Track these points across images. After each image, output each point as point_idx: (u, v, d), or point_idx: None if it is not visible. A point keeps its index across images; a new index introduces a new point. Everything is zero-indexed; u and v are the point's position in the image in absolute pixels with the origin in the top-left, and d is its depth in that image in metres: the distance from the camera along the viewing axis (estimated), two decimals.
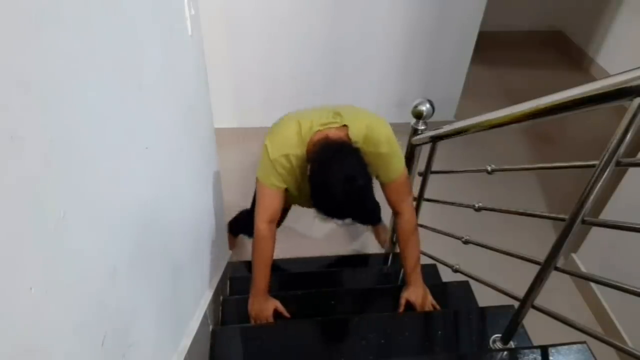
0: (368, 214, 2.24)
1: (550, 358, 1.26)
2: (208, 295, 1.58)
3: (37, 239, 0.55)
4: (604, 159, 0.92)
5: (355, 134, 1.34)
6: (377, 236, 2.41)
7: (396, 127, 1.43)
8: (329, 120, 1.34)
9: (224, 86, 2.89)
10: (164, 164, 1.06)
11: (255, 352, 1.45)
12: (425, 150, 1.70)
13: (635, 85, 0.81)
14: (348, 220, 1.23)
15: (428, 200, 1.82)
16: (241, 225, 2.16)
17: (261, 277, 1.51)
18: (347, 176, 1.17)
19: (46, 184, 0.56)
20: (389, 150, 1.38)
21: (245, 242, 2.30)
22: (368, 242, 2.44)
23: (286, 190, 1.44)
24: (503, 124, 1.21)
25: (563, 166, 1.19)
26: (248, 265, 1.53)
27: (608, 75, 0.87)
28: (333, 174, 1.18)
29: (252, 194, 1.98)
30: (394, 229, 1.60)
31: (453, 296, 1.76)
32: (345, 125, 1.34)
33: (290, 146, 1.34)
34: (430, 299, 1.60)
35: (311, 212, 1.29)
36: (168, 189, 1.11)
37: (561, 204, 2.60)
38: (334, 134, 1.33)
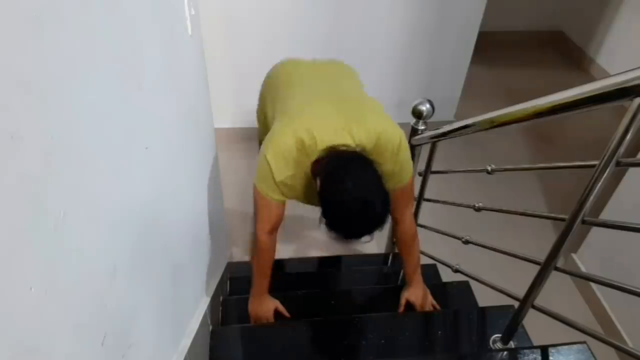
0: None
1: (550, 358, 1.26)
2: (208, 295, 1.58)
3: (37, 238, 0.55)
4: (604, 159, 0.92)
5: (366, 146, 1.22)
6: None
7: None
8: (337, 136, 1.19)
9: (224, 86, 2.89)
10: (164, 164, 1.06)
11: (255, 352, 1.45)
12: (425, 150, 1.70)
13: (635, 85, 0.81)
14: (366, 238, 1.13)
15: (428, 200, 1.82)
16: None
17: (262, 282, 1.50)
18: (365, 203, 1.06)
19: (46, 183, 0.56)
20: (399, 162, 1.28)
21: (246, 242, 2.30)
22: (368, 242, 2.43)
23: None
24: (503, 124, 1.21)
25: (563, 166, 1.19)
26: (248, 265, 1.53)
27: (608, 75, 0.87)
28: (350, 200, 1.06)
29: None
30: (394, 234, 1.56)
31: (453, 296, 1.76)
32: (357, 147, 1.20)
33: (292, 162, 1.22)
34: (430, 299, 1.60)
35: (311, 212, 1.27)
36: (168, 189, 1.11)
37: (561, 204, 2.60)
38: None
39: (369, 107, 1.33)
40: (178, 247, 1.23)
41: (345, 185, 1.08)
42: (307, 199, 1.34)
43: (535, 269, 1.18)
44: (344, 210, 1.08)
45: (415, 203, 1.85)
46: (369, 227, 1.11)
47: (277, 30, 2.71)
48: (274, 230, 1.40)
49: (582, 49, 3.81)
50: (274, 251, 1.46)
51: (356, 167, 1.13)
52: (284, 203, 1.34)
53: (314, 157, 1.20)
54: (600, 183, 0.95)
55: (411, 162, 1.34)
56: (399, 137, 1.26)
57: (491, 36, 3.54)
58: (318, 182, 1.15)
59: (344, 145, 1.19)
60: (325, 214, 1.11)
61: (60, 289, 0.61)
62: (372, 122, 1.24)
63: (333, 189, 1.10)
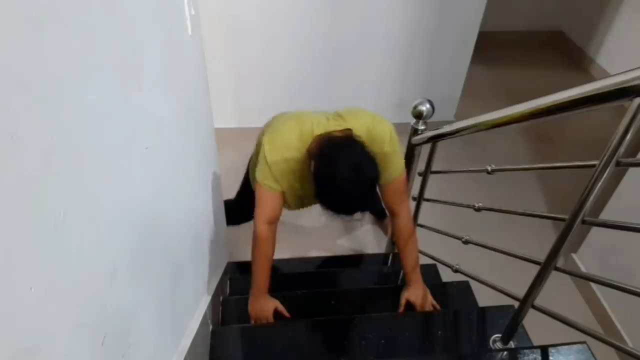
0: (375, 207, 2.22)
1: (550, 358, 1.26)
2: (208, 295, 1.58)
3: (37, 239, 0.55)
4: (604, 159, 0.92)
5: (358, 133, 1.33)
6: (386, 231, 2.41)
7: (396, 127, 1.43)
8: (330, 124, 1.33)
9: (224, 86, 2.89)
10: (164, 164, 1.06)
11: (255, 352, 1.45)
12: (425, 150, 1.70)
13: (635, 85, 0.81)
14: (357, 215, 1.20)
15: (428, 200, 1.82)
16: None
17: (261, 278, 1.51)
18: (355, 167, 1.14)
19: (46, 183, 0.56)
20: (390, 149, 1.36)
21: (245, 242, 2.30)
22: (368, 242, 2.44)
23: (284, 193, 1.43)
24: (503, 124, 1.21)
25: (563, 166, 1.19)
26: (248, 265, 1.53)
27: (608, 75, 0.87)
28: (340, 166, 1.14)
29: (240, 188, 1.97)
30: (392, 230, 1.59)
31: (453, 296, 1.76)
32: (348, 129, 1.32)
33: (290, 148, 1.31)
34: (430, 299, 1.60)
35: (311, 211, 1.28)
36: (168, 189, 1.11)
37: (561, 204, 2.60)
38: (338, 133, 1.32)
39: (359, 109, 1.43)
40: (178, 247, 1.23)
41: (336, 156, 1.17)
42: (301, 189, 1.40)
43: (535, 269, 1.18)
44: (336, 177, 1.14)
45: (415, 202, 1.85)
46: (361, 195, 1.16)
47: (277, 30, 2.71)
48: (271, 222, 1.43)
49: (582, 49, 3.81)
50: (273, 246, 1.47)
51: (347, 144, 1.23)
52: (280, 195, 1.39)
53: (309, 143, 1.30)
54: (600, 183, 0.95)
55: (402, 155, 1.43)
56: (388, 127, 1.37)
57: (491, 36, 3.54)
58: (313, 163, 1.22)
59: (337, 131, 1.31)
60: (319, 188, 1.18)
61: (60, 289, 0.61)
62: (363, 116, 1.37)
63: (325, 162, 1.18)
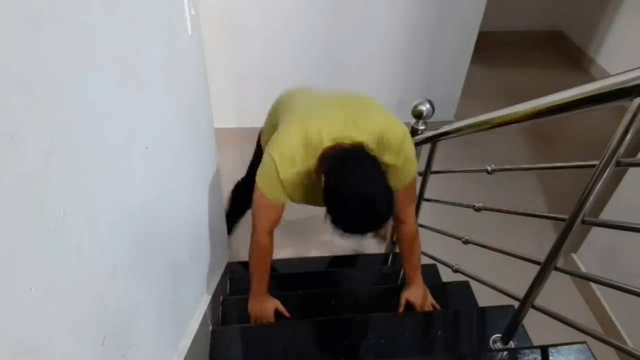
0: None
1: (550, 358, 1.26)
2: (208, 295, 1.58)
3: (37, 239, 0.55)
4: (604, 159, 0.92)
5: (370, 140, 1.21)
6: (383, 240, 2.39)
7: None
8: (340, 135, 1.20)
9: (224, 86, 2.89)
10: (164, 164, 1.06)
11: (255, 352, 1.45)
12: (425, 150, 1.70)
13: (635, 85, 0.81)
14: (369, 235, 1.14)
15: (428, 200, 1.82)
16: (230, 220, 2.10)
17: (260, 282, 1.50)
18: (369, 198, 1.05)
19: (46, 183, 0.56)
20: (403, 159, 1.27)
21: (245, 241, 2.29)
22: (368, 242, 2.44)
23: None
24: (503, 124, 1.21)
25: (563, 166, 1.19)
26: (248, 265, 1.53)
27: (608, 75, 0.87)
28: (353, 194, 1.06)
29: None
30: (394, 232, 1.58)
31: (453, 296, 1.76)
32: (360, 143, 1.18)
33: (297, 162, 1.21)
34: (430, 299, 1.60)
35: (311, 212, 1.27)
36: (168, 189, 1.11)
37: (561, 204, 2.60)
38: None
39: (374, 106, 1.33)
40: (178, 247, 1.23)
41: (350, 181, 1.07)
42: (311, 198, 1.33)
43: (535, 269, 1.18)
44: (348, 206, 1.07)
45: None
46: (373, 223, 1.10)
47: (277, 30, 2.71)
48: (272, 231, 1.42)
49: (582, 49, 3.81)
50: (272, 253, 1.47)
51: (360, 163, 1.11)
52: (283, 205, 1.34)
53: (319, 154, 1.20)
54: (600, 183, 0.95)
55: (415, 160, 1.33)
56: (403, 133, 1.26)
57: (491, 36, 3.55)
58: (323, 178, 1.14)
59: (349, 139, 1.18)
60: (330, 209, 1.10)
61: (60, 289, 0.61)
62: (377, 117, 1.26)
63: (337, 185, 1.09)
